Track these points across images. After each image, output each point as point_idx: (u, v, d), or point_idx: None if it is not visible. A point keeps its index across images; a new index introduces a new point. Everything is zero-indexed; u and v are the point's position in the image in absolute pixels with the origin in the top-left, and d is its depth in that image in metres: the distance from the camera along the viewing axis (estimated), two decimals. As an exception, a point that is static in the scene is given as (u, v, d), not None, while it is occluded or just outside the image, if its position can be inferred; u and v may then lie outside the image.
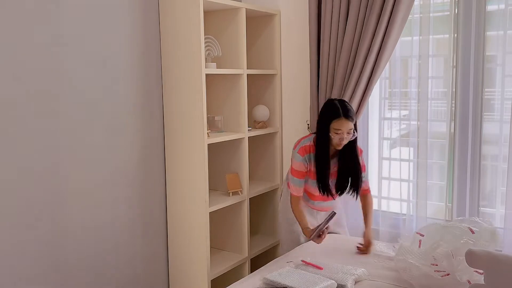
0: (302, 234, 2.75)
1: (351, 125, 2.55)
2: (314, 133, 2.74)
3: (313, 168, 2.67)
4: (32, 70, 2.31)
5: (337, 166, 2.69)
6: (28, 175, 2.33)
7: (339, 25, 2.96)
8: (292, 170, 2.71)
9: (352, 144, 2.62)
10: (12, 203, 2.27)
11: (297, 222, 2.77)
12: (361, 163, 2.69)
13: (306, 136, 2.76)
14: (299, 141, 2.72)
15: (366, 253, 2.61)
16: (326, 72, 3.05)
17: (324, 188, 2.65)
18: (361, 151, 2.74)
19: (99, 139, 2.63)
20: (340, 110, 2.54)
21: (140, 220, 2.91)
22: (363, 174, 2.71)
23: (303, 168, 2.67)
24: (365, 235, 2.67)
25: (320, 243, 2.57)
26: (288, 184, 2.80)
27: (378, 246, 2.67)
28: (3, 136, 2.22)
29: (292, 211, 2.75)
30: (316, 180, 2.66)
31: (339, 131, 2.54)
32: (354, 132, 2.58)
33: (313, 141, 2.67)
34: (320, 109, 2.72)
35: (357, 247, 2.65)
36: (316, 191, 2.69)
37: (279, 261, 2.54)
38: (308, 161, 2.66)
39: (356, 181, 2.67)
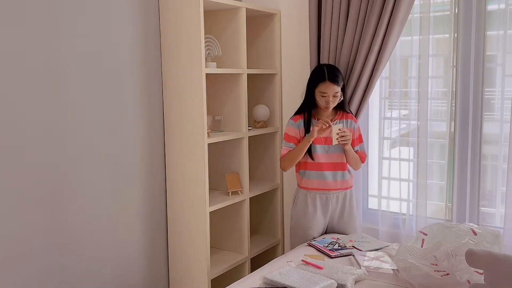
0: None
1: (337, 88, 2.70)
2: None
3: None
4: (31, 69, 2.31)
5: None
6: (28, 175, 2.33)
7: (339, 24, 2.97)
8: (285, 135, 2.85)
9: (342, 104, 2.80)
10: (12, 203, 2.28)
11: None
12: (357, 134, 2.84)
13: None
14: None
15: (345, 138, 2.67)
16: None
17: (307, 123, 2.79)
18: (356, 121, 2.86)
19: (99, 139, 2.63)
20: (326, 74, 2.70)
21: (140, 220, 2.91)
22: (361, 144, 2.88)
23: (295, 133, 2.80)
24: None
25: (322, 133, 2.65)
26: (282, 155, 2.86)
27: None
28: (3, 135, 2.22)
29: (288, 162, 2.80)
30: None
31: (325, 94, 2.70)
32: (340, 96, 2.73)
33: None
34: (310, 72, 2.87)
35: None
36: (316, 150, 2.79)
37: (279, 261, 2.54)
38: (302, 126, 2.80)
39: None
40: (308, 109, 2.81)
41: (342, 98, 2.75)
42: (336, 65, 3.00)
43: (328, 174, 2.81)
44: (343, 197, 2.86)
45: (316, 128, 2.64)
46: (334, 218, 2.89)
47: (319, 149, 2.79)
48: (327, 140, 2.75)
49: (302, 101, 2.88)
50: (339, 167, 2.82)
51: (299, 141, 2.79)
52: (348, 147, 2.74)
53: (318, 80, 2.72)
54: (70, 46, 2.46)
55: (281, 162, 2.85)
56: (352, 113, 2.89)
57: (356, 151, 2.84)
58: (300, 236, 2.86)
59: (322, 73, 2.72)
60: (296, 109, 2.93)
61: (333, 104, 2.72)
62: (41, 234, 2.40)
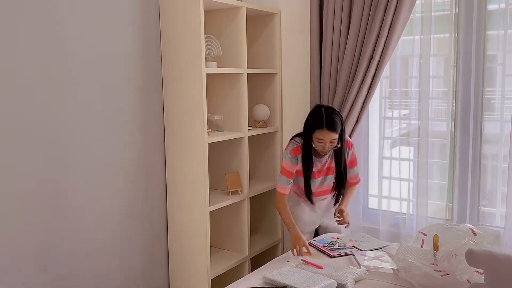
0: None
1: (334, 135, 2.57)
2: (299, 133, 2.78)
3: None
4: (31, 70, 2.31)
5: (332, 162, 2.76)
6: (27, 175, 2.33)
7: (341, 24, 2.96)
8: (282, 170, 2.74)
9: (338, 151, 2.70)
10: (12, 203, 2.28)
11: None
12: (351, 158, 2.78)
13: (297, 135, 2.77)
14: (290, 141, 2.75)
15: (344, 222, 2.69)
16: (328, 73, 3.05)
17: (307, 188, 2.74)
18: (351, 145, 2.80)
19: (99, 139, 2.63)
20: (324, 121, 2.56)
21: (140, 219, 2.91)
22: (355, 168, 2.82)
23: (293, 168, 2.71)
24: (339, 206, 2.78)
25: (299, 255, 2.51)
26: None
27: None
28: (4, 134, 2.22)
29: (278, 209, 2.76)
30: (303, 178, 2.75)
31: (321, 141, 2.58)
32: (338, 142, 2.61)
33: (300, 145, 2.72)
34: (308, 114, 2.74)
35: (336, 220, 2.73)
36: (314, 184, 2.76)
37: (279, 260, 2.54)
38: (298, 162, 2.71)
39: (339, 184, 2.78)
40: (308, 153, 2.69)
41: (339, 146, 2.62)
42: (339, 66, 2.99)
43: (320, 197, 2.84)
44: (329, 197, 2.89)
45: (294, 249, 2.53)
46: (326, 218, 2.91)
47: (316, 182, 2.77)
48: (328, 172, 2.77)
49: (302, 133, 2.74)
50: (329, 191, 2.83)
51: (293, 175, 2.73)
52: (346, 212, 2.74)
53: (315, 127, 2.58)
54: (69, 46, 2.46)
55: (276, 199, 2.77)
56: (349, 141, 2.81)
57: (349, 176, 2.81)
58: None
59: (319, 119, 2.57)
60: (299, 111, 2.91)
61: (329, 149, 2.62)
62: (40, 234, 2.40)
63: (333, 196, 2.84)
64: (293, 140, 2.74)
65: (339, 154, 2.73)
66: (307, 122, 2.68)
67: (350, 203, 2.90)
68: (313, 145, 2.63)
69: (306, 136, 2.67)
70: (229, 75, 3.11)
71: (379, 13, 2.79)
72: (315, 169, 2.72)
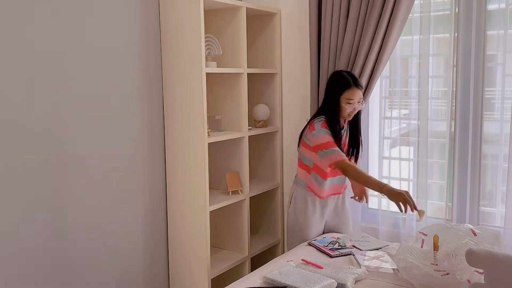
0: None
1: (361, 94, 2.66)
2: (314, 116, 2.74)
3: None
4: (31, 69, 2.31)
5: (347, 138, 2.78)
6: (27, 174, 2.33)
7: (339, 24, 2.96)
8: (327, 143, 2.59)
9: (357, 116, 2.74)
10: (11, 203, 2.28)
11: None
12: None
13: (313, 120, 2.71)
14: (312, 123, 2.68)
15: (362, 200, 2.80)
16: (326, 71, 3.05)
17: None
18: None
19: (99, 139, 2.63)
20: (351, 80, 2.64)
21: (140, 220, 2.91)
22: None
23: (332, 139, 2.61)
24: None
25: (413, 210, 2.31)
26: (325, 165, 2.67)
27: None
28: (4, 133, 2.22)
29: (355, 175, 2.55)
30: None
31: (351, 101, 2.62)
32: (363, 101, 2.68)
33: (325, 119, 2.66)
34: (327, 81, 2.76)
35: (353, 197, 2.75)
36: (327, 167, 2.67)
37: (280, 260, 2.54)
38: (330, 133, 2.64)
39: (357, 150, 2.79)
40: (335, 119, 2.65)
41: (365, 104, 2.71)
42: (336, 65, 3.00)
43: (340, 179, 2.80)
44: (337, 197, 2.88)
45: (403, 205, 2.33)
46: (329, 219, 2.90)
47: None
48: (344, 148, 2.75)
49: (320, 108, 2.74)
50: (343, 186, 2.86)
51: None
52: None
53: (343, 87, 2.62)
54: (69, 46, 2.46)
55: (347, 169, 2.55)
56: None
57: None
58: (298, 235, 2.85)
59: (346, 80, 2.63)
60: (299, 111, 2.91)
61: (357, 110, 2.65)
62: (41, 234, 2.40)
63: (350, 156, 2.76)
64: (314, 120, 2.69)
65: (356, 124, 2.76)
66: (332, 87, 2.68)
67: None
68: (344, 108, 2.61)
69: (332, 102, 2.64)
70: (229, 75, 3.11)
71: (375, 13, 2.79)
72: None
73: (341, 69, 2.90)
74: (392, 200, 2.37)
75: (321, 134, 2.62)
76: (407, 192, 2.34)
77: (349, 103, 2.62)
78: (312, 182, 2.76)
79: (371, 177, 2.57)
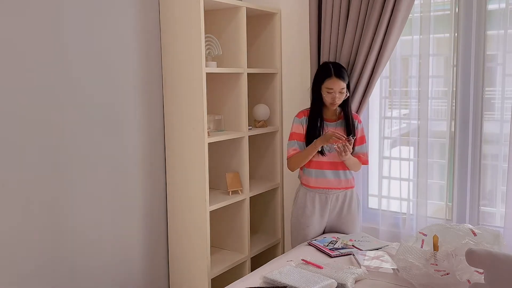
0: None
1: (342, 84, 2.71)
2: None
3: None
4: (32, 69, 2.31)
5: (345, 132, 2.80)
6: (27, 175, 2.33)
7: (339, 24, 2.96)
8: (290, 136, 2.85)
9: (346, 105, 2.79)
10: (12, 202, 2.28)
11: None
12: (360, 135, 2.84)
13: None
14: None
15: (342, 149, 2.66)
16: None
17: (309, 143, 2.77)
18: (360, 121, 2.86)
19: (99, 138, 2.63)
20: (332, 70, 2.71)
21: (140, 219, 2.91)
22: (363, 145, 2.86)
23: (298, 130, 2.81)
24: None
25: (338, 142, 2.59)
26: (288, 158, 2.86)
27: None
28: (4, 134, 2.22)
29: (294, 164, 2.82)
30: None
31: (331, 90, 2.70)
32: (346, 92, 2.72)
33: (308, 109, 2.87)
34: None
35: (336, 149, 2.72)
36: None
37: (280, 260, 2.54)
38: (304, 123, 2.81)
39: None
40: (317, 108, 2.80)
41: (348, 95, 2.75)
42: None
43: (329, 172, 2.81)
44: (343, 197, 2.86)
45: (327, 140, 2.64)
46: (333, 218, 2.89)
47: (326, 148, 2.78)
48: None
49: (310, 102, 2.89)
50: (340, 166, 2.81)
51: (304, 138, 2.79)
52: (345, 157, 2.70)
53: (324, 76, 2.72)
54: (69, 46, 2.45)
55: (288, 163, 2.87)
56: (357, 116, 2.88)
57: (356, 153, 2.83)
58: (298, 234, 2.88)
59: (328, 69, 2.73)
60: (299, 111, 2.92)
61: (339, 100, 2.72)
62: (40, 234, 2.40)
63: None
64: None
65: (345, 110, 2.81)
66: (316, 76, 2.81)
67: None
68: (324, 97, 2.72)
69: (315, 90, 2.77)
70: (229, 75, 3.11)
71: (375, 13, 2.79)
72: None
73: (331, 60, 2.97)
74: (326, 144, 2.68)
75: (293, 123, 2.86)
76: (329, 130, 2.70)
77: (329, 93, 2.71)
78: (302, 171, 2.90)
79: (304, 149, 2.77)
